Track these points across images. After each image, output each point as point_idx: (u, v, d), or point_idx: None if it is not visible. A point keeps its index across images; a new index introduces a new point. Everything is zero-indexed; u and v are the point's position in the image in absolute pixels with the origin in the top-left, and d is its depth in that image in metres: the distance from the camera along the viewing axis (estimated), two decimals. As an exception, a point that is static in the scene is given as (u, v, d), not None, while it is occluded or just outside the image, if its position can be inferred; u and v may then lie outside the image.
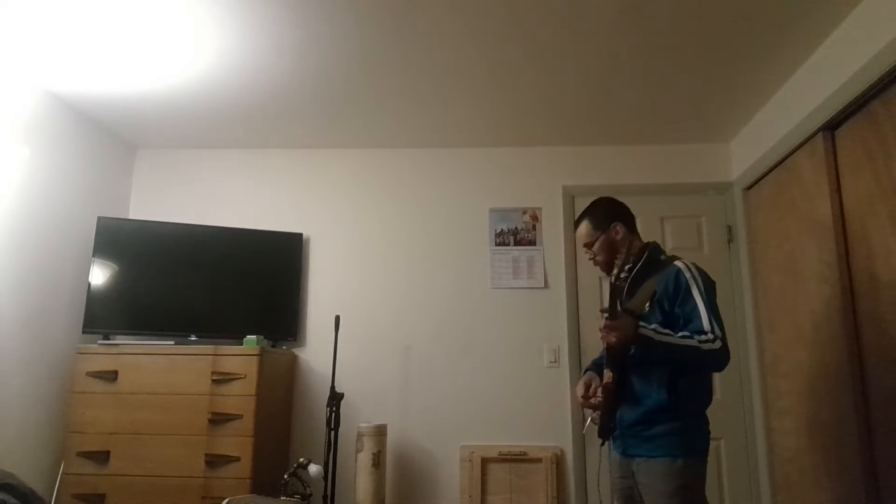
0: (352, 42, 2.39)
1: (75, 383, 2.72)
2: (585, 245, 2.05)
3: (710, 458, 2.94)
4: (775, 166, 2.79)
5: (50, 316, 2.82)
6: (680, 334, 1.73)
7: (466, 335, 3.21)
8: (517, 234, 3.31)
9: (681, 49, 2.43)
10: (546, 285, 3.22)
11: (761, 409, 2.94)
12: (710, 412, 3.14)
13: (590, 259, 2.07)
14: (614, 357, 1.80)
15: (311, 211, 3.41)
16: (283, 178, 3.46)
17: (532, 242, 3.29)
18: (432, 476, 3.09)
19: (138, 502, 2.58)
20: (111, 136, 3.29)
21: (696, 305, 1.75)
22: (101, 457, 2.63)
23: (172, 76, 2.67)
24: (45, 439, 2.74)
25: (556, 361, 3.16)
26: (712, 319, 1.72)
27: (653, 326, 1.74)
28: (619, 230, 1.97)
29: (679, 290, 1.79)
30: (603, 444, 1.92)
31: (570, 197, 3.34)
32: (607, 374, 1.84)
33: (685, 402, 1.78)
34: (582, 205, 3.28)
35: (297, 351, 3.25)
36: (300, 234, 3.31)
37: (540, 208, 3.34)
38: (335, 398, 2.75)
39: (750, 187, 3.08)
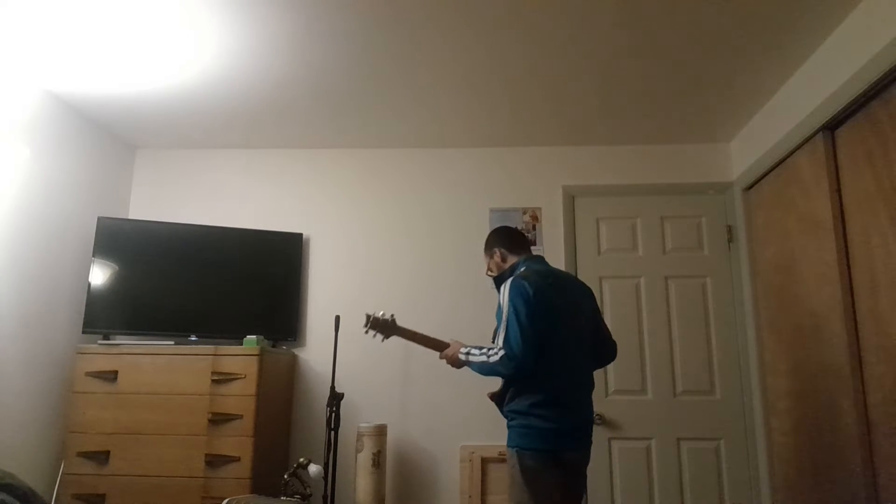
0: (351, 42, 2.39)
1: (75, 383, 2.72)
2: (487, 271, 2.38)
3: (710, 458, 3.01)
4: (775, 166, 2.79)
5: (50, 316, 2.82)
6: (479, 352, 2.08)
7: (466, 335, 3.19)
8: (517, 234, 3.31)
9: (681, 49, 2.43)
10: (546, 285, 3.22)
11: (761, 409, 2.94)
12: (709, 411, 3.14)
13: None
14: None
15: (311, 211, 3.41)
16: (283, 178, 3.46)
17: (532, 242, 3.29)
18: (432, 476, 3.09)
19: (138, 502, 2.58)
20: (111, 136, 3.29)
21: (501, 323, 2.05)
22: (101, 457, 2.63)
23: (172, 76, 2.67)
24: (45, 439, 2.74)
25: (555, 361, 3.16)
26: (502, 333, 2.01)
27: (466, 350, 2.14)
28: (496, 254, 2.31)
29: (499, 312, 2.10)
30: None
31: (570, 197, 3.34)
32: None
33: (511, 402, 2.08)
34: (582, 204, 3.33)
35: (297, 351, 3.25)
36: (300, 234, 3.31)
37: (540, 208, 3.34)
38: (335, 398, 2.75)
39: (750, 187, 3.08)
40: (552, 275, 2.18)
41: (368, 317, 2.37)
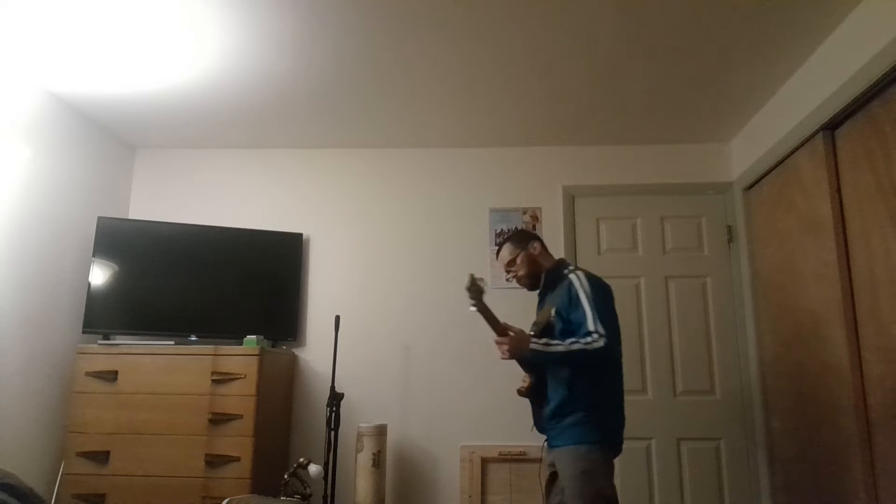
0: (351, 42, 2.39)
1: (75, 383, 2.72)
2: (508, 264, 2.31)
3: (710, 458, 3.01)
4: (775, 166, 2.79)
5: (50, 316, 2.82)
6: (569, 341, 1.99)
7: (466, 335, 3.20)
8: (517, 234, 3.31)
9: (681, 49, 2.43)
10: (546, 285, 3.22)
11: (761, 409, 2.94)
12: (709, 411, 3.14)
13: (511, 277, 2.33)
14: (522, 365, 2.22)
15: (311, 211, 3.41)
16: (283, 178, 3.46)
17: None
18: (432, 476, 3.09)
19: (138, 502, 2.58)
20: (111, 136, 3.29)
21: (584, 311, 2.02)
22: (101, 457, 2.63)
23: (172, 76, 2.67)
24: (45, 439, 2.74)
25: (556, 361, 3.16)
26: (597, 320, 1.98)
27: (543, 341, 2.04)
28: (536, 247, 2.28)
29: (571, 300, 2.07)
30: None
31: (570, 197, 3.34)
32: (525, 378, 2.21)
33: (584, 397, 2.03)
34: (582, 204, 3.33)
35: (297, 351, 3.25)
36: (300, 234, 3.31)
37: (540, 208, 3.34)
38: (335, 398, 2.75)
39: (750, 187, 3.08)
40: None
41: (472, 277, 2.11)
